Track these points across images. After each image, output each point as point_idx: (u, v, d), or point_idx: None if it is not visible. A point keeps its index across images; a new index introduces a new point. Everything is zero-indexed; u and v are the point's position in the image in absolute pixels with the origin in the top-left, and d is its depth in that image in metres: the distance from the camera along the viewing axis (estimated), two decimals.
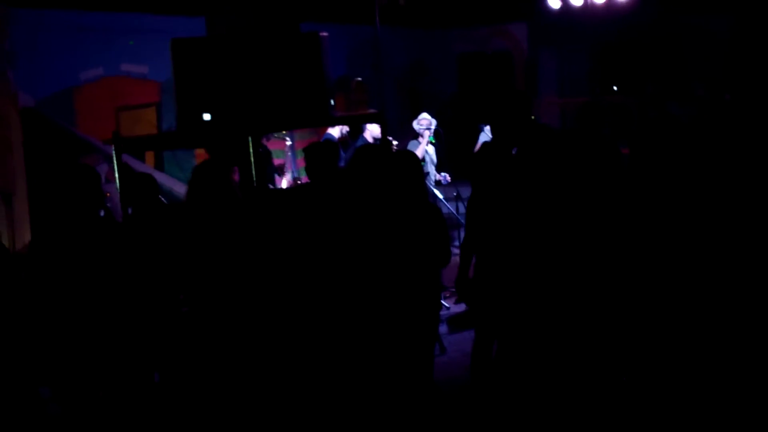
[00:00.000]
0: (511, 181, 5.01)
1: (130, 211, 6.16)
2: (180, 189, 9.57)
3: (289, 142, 9.19)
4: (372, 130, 8.91)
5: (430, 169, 9.30)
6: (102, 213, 5.21)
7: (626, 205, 4.65)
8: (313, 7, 9.41)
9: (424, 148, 9.20)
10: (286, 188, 8.39)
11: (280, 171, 8.90)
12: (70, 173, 5.04)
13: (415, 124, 9.40)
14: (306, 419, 5.05)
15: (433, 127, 9.25)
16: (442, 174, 9.32)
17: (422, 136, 9.29)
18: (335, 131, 9.06)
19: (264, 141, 8.45)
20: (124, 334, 5.04)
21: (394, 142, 8.37)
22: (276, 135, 9.25)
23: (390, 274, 4.88)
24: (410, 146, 9.24)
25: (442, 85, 15.22)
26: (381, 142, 7.34)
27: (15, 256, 5.07)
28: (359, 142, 8.90)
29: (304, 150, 5.83)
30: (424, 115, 9.43)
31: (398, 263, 4.88)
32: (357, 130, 9.26)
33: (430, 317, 5.17)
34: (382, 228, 4.90)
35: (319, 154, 5.66)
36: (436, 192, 9.04)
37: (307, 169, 5.71)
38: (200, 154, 10.51)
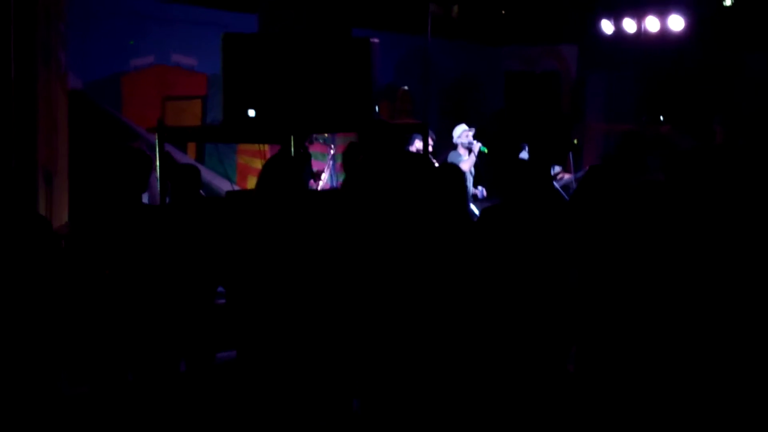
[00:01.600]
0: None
1: (168, 200, 6.20)
2: (219, 183, 9.62)
3: (332, 150, 9.17)
4: (417, 145, 8.90)
5: (468, 182, 9.28)
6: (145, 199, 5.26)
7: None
8: (366, 13, 9.44)
9: (473, 161, 9.16)
10: (322, 191, 8.40)
11: (317, 176, 8.88)
12: (122, 155, 5.08)
13: (458, 137, 9.37)
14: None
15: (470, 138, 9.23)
16: (479, 188, 9.29)
17: (464, 147, 9.25)
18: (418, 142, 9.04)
19: (306, 143, 8.47)
20: (154, 321, 5.07)
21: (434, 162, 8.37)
22: (320, 139, 9.26)
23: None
24: (452, 158, 9.22)
25: (489, 101, 15.17)
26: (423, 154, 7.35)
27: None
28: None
29: (344, 152, 5.84)
30: (465, 127, 9.39)
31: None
32: (403, 141, 9.25)
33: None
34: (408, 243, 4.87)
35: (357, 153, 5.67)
36: (473, 207, 9.01)
37: (345, 167, 5.72)
38: (242, 149, 10.56)
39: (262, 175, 4.98)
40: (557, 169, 9.04)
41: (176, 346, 5.40)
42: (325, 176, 8.95)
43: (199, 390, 5.45)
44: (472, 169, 9.36)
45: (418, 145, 8.84)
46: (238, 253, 4.92)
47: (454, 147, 9.42)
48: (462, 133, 9.40)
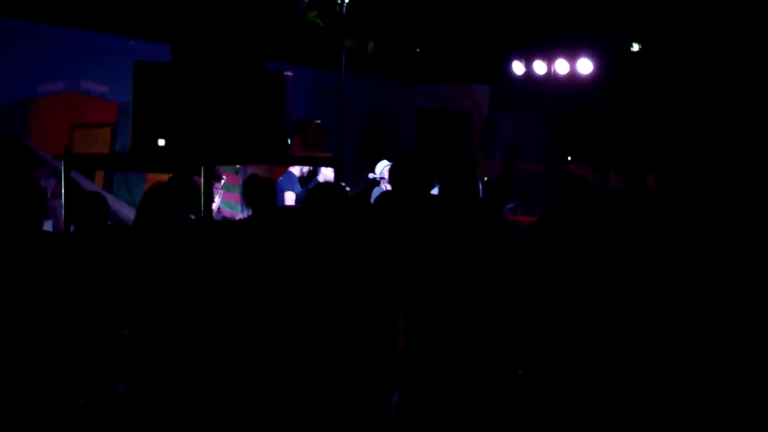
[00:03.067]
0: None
1: (72, 228, 6.09)
2: (126, 212, 9.48)
3: (222, 182, 9.06)
4: (326, 174, 8.92)
5: None
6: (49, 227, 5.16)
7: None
8: (281, 46, 9.45)
9: None
10: (230, 221, 8.35)
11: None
12: (11, 182, 4.97)
13: (381, 172, 9.34)
14: None
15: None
16: None
17: (387, 183, 9.26)
18: (296, 170, 9.05)
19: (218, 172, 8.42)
20: (53, 351, 4.95)
21: (347, 188, 8.39)
22: (226, 169, 9.20)
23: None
24: (376, 193, 9.24)
25: (402, 137, 15.31)
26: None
27: None
28: (311, 185, 8.90)
29: (243, 183, 5.86)
30: (386, 162, 9.42)
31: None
32: (314, 173, 9.27)
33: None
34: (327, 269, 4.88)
35: (257, 187, 5.69)
36: None
37: (247, 201, 5.74)
38: (151, 178, 10.43)
39: (140, 206, 5.00)
40: None
41: (76, 378, 5.28)
42: (216, 204, 8.84)
43: (98, 423, 5.33)
44: None
45: (325, 173, 8.87)
46: (133, 283, 4.91)
47: (376, 183, 9.43)
48: (384, 168, 9.41)
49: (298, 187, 9.02)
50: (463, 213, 5.20)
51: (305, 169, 9.17)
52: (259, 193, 5.72)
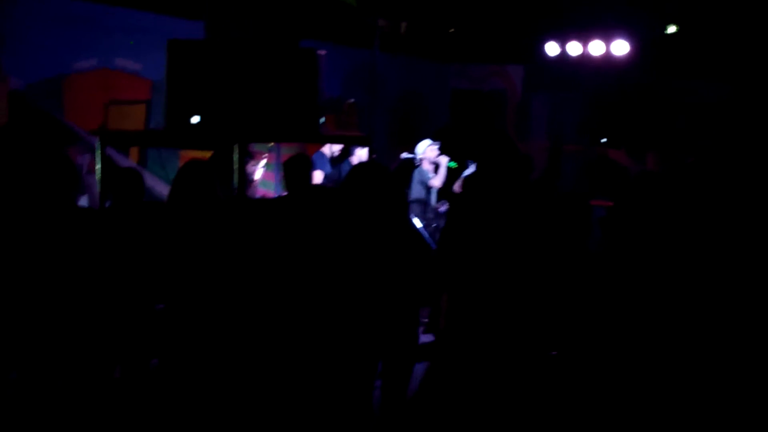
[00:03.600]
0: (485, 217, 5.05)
1: (108, 204, 6.14)
2: (160, 188, 9.52)
3: (264, 160, 9.10)
4: (360, 155, 8.92)
5: (434, 197, 9.29)
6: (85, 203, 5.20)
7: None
8: (315, 25, 9.43)
9: (444, 177, 9.17)
10: (264, 198, 8.36)
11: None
12: (46, 159, 5.02)
13: (423, 152, 9.33)
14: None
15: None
16: (442, 202, 9.29)
17: (430, 163, 9.24)
18: (326, 149, 9.05)
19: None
20: (89, 325, 5.01)
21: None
22: (267, 147, 9.22)
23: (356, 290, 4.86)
24: (419, 174, 9.24)
25: (435, 117, 15.27)
26: None
27: None
28: (344, 165, 8.91)
29: (284, 163, 5.85)
30: (429, 142, 9.39)
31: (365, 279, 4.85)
32: (345, 153, 9.26)
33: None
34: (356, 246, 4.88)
35: (295, 167, 5.69)
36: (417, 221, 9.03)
37: (285, 182, 5.74)
38: (185, 155, 10.48)
39: (174, 182, 5.03)
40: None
41: (111, 351, 5.34)
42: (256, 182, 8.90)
43: (132, 395, 5.39)
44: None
45: (360, 154, 8.87)
46: (167, 259, 4.94)
47: (410, 162, 9.42)
48: (427, 148, 9.39)
49: (328, 167, 9.02)
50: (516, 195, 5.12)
51: (335, 148, 9.16)
52: (298, 172, 5.71)
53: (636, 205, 4.90)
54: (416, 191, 9.13)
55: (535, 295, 4.89)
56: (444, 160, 9.15)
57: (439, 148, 9.32)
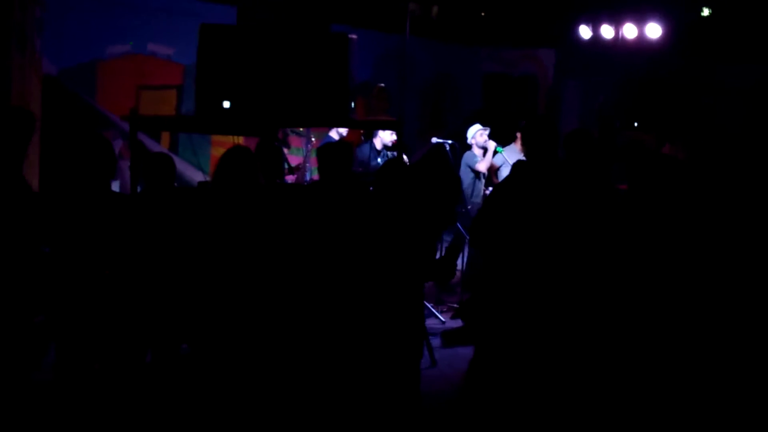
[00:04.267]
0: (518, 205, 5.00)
1: (139, 189, 6.17)
2: (191, 173, 9.58)
3: (310, 145, 9.12)
4: (382, 138, 8.91)
5: (480, 182, 9.27)
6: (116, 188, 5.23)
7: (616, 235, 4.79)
8: (345, 9, 9.41)
9: (490, 162, 9.16)
10: (295, 185, 8.38)
11: (294, 170, 8.85)
12: (85, 141, 5.06)
13: (473, 137, 9.32)
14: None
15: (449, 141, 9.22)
16: (490, 189, 9.27)
17: (479, 147, 9.22)
18: (334, 133, 9.03)
19: (280, 136, 8.43)
20: (121, 310, 5.05)
21: (405, 158, 8.39)
22: (297, 132, 9.23)
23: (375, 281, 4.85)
24: (467, 158, 9.22)
25: (465, 102, 15.22)
26: (395, 153, 7.39)
27: None
28: (364, 148, 8.89)
29: (318, 150, 5.84)
30: (479, 127, 9.38)
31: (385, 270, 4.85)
32: (368, 136, 9.25)
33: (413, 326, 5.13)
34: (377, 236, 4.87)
35: (332, 154, 5.66)
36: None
37: (320, 169, 5.73)
38: (216, 140, 10.53)
39: (217, 168, 5.03)
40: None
41: (143, 336, 5.38)
42: (303, 169, 8.94)
43: (164, 380, 5.43)
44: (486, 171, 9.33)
45: (384, 138, 8.87)
46: (198, 244, 4.95)
47: (469, 147, 9.39)
48: (476, 132, 9.37)
49: None
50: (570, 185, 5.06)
51: (343, 131, 9.13)
52: (331, 159, 5.68)
53: (651, 192, 4.86)
54: (464, 175, 9.11)
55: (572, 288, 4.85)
56: (492, 145, 9.13)
57: (489, 134, 9.31)
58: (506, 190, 5.13)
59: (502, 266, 4.97)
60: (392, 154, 8.78)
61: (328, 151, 5.72)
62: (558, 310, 4.82)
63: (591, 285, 4.83)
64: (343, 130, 9.06)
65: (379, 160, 8.83)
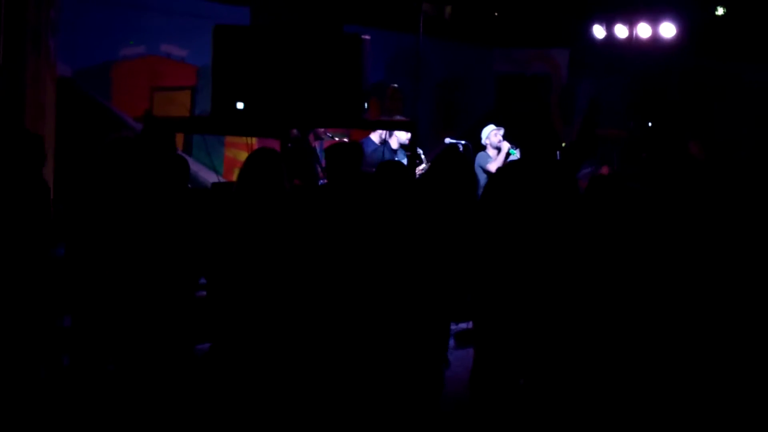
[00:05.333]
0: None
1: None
2: (205, 175, 9.58)
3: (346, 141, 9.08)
4: (398, 137, 8.89)
5: None
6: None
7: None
8: (358, 10, 9.41)
9: (502, 162, 9.14)
10: (306, 187, 8.36)
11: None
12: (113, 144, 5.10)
13: (487, 137, 9.32)
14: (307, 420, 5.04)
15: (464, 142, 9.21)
16: None
17: (493, 148, 9.22)
18: (375, 136, 8.98)
19: (312, 139, 8.41)
20: (135, 311, 5.06)
21: (422, 156, 8.37)
22: (331, 135, 9.20)
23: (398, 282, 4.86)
24: (480, 159, 9.21)
25: (479, 102, 15.19)
26: (410, 154, 7.37)
27: None
28: (369, 145, 8.85)
29: (325, 150, 5.82)
30: (493, 127, 9.39)
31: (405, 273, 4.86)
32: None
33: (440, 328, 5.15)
34: (395, 235, 4.88)
35: (340, 155, 5.64)
36: None
37: (327, 170, 5.72)
38: (230, 141, 10.54)
39: (243, 169, 5.02)
40: None
41: (157, 336, 5.38)
42: None
43: (177, 381, 5.43)
44: None
45: (400, 137, 8.85)
46: (218, 246, 4.94)
47: (483, 148, 9.39)
48: (490, 133, 9.39)
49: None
50: (536, 179, 5.06)
51: (384, 134, 9.12)
52: (341, 160, 5.65)
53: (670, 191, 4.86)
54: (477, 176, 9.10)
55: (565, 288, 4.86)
56: (506, 146, 9.12)
57: (504, 135, 9.31)
58: (492, 191, 5.15)
59: (490, 266, 4.99)
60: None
61: (335, 151, 5.70)
62: (549, 308, 4.84)
63: (584, 284, 4.85)
64: (383, 132, 9.03)
65: (395, 159, 8.81)
